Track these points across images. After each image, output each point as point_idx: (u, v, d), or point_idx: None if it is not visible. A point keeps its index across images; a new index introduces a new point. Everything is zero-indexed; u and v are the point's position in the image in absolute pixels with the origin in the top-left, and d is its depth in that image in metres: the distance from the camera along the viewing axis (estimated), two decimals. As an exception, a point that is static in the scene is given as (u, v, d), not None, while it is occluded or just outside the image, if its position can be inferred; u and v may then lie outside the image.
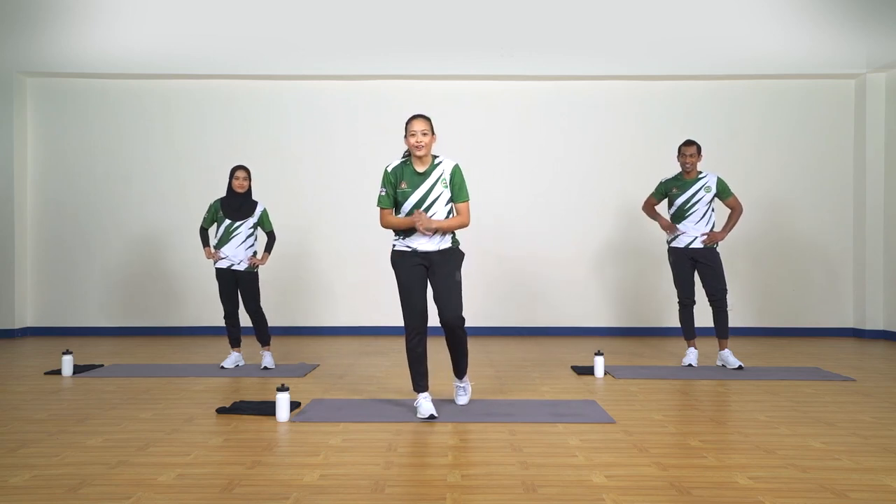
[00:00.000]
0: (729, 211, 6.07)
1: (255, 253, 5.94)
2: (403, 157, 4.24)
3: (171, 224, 8.46)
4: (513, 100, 8.49)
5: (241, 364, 6.01)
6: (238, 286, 5.90)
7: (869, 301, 8.19)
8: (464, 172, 4.29)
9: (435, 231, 4.13)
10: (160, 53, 8.23)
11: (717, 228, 6.21)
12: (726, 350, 5.98)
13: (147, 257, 8.47)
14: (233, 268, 5.84)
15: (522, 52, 8.23)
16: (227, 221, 5.83)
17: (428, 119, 4.14)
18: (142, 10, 8.23)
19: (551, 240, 8.41)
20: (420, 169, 4.17)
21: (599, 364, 5.56)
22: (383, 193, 4.18)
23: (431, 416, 4.08)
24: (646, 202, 6.24)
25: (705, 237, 5.88)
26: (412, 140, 4.08)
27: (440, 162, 4.21)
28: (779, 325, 8.39)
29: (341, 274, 8.47)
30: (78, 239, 8.46)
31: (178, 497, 2.81)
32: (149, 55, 8.23)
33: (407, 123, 4.13)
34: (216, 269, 5.87)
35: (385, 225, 4.20)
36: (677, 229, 5.95)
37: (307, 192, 8.39)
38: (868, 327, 8.19)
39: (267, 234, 6.08)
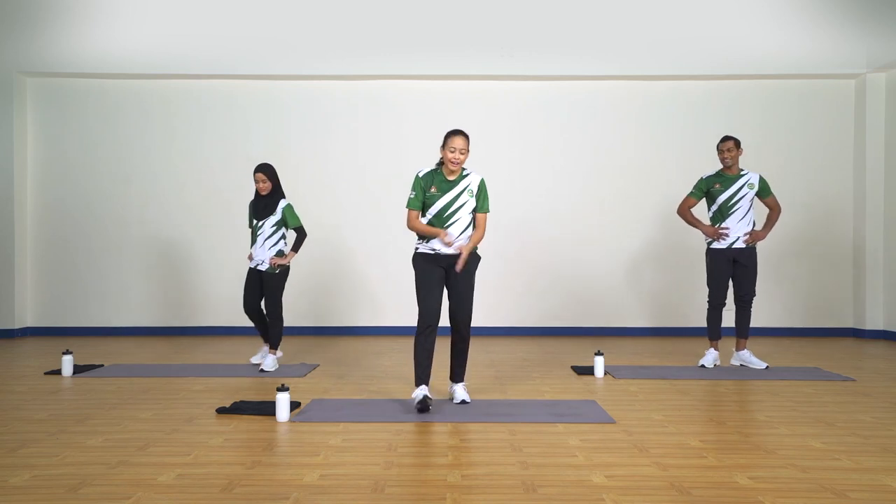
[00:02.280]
0: (767, 211, 5.98)
1: (279, 252, 5.84)
2: (437, 165, 4.51)
3: (171, 224, 8.46)
4: (513, 100, 8.49)
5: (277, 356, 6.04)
6: (262, 285, 5.89)
7: (869, 301, 8.19)
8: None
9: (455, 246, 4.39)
10: (160, 53, 8.23)
11: (757, 228, 6.07)
12: (746, 350, 5.96)
13: (147, 257, 8.46)
14: (258, 268, 5.85)
15: (522, 52, 8.23)
16: (255, 221, 5.86)
17: (468, 137, 4.43)
18: (142, 10, 8.23)
19: (551, 240, 8.41)
20: (450, 178, 4.46)
21: (599, 364, 5.56)
22: (413, 196, 4.43)
23: (424, 403, 4.24)
24: (683, 203, 5.96)
25: (747, 237, 5.80)
26: (450, 155, 4.36)
27: (468, 174, 4.50)
28: (779, 325, 8.39)
29: (340, 274, 8.47)
30: (78, 239, 8.46)
31: (178, 497, 2.81)
32: (149, 55, 8.23)
33: (448, 136, 4.39)
34: (248, 268, 5.96)
35: (412, 227, 4.44)
36: (722, 233, 5.80)
37: (307, 193, 8.38)
38: (868, 327, 8.19)
39: (294, 230, 5.90)
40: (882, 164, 8.19)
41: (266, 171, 5.82)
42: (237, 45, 8.23)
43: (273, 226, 5.81)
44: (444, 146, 4.38)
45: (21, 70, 8.28)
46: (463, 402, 4.51)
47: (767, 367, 5.85)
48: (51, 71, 8.29)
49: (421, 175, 4.46)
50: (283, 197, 5.89)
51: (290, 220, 5.85)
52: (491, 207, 7.97)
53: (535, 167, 8.46)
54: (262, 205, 5.84)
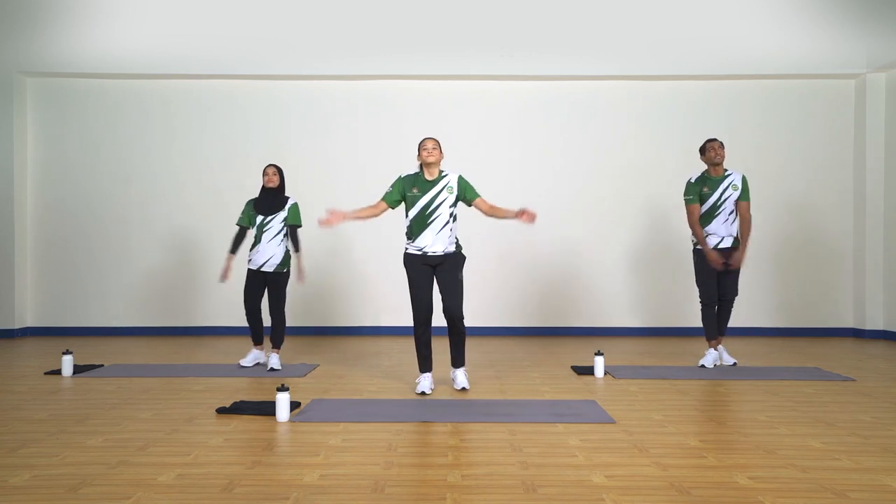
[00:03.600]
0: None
1: (286, 257, 5.88)
2: (417, 171, 4.92)
3: (172, 224, 8.46)
4: (513, 100, 8.50)
5: (261, 362, 6.02)
6: (266, 286, 5.91)
7: (869, 301, 8.19)
8: (464, 174, 5.08)
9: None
10: (160, 53, 8.23)
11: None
12: (720, 346, 6.09)
13: (147, 257, 8.47)
14: (262, 269, 5.84)
15: (522, 52, 8.24)
16: (260, 217, 5.85)
17: (436, 139, 4.91)
18: (142, 10, 8.23)
19: (551, 239, 8.41)
20: (429, 178, 4.85)
21: (599, 364, 5.57)
22: (389, 191, 4.90)
23: (423, 392, 4.79)
24: (692, 214, 5.88)
25: (731, 257, 5.83)
26: (424, 153, 4.79)
27: (446, 175, 4.89)
28: (779, 325, 8.39)
29: (340, 274, 8.47)
30: (78, 239, 8.46)
31: (178, 497, 2.81)
32: (149, 55, 8.23)
33: (420, 143, 4.85)
34: (248, 269, 5.93)
35: (371, 212, 4.92)
36: (711, 250, 5.79)
37: (307, 193, 8.36)
38: (868, 327, 8.20)
39: (291, 227, 5.87)
40: (882, 164, 8.19)
41: (277, 167, 6.00)
42: (237, 45, 8.23)
43: (281, 222, 5.86)
44: (418, 154, 4.84)
45: (21, 70, 8.28)
46: (463, 389, 4.90)
47: (735, 363, 6.05)
48: (51, 71, 8.30)
49: (403, 176, 4.91)
50: (289, 196, 6.00)
51: (292, 218, 5.88)
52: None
53: (535, 167, 8.46)
54: (269, 201, 5.87)
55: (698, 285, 6.00)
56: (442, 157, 4.86)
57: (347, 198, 8.42)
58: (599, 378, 5.50)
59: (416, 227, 4.82)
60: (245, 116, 8.50)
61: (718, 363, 6.03)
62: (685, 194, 5.98)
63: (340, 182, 8.45)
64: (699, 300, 6.07)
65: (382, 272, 8.37)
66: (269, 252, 5.83)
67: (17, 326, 8.27)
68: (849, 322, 8.43)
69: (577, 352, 6.98)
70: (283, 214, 5.86)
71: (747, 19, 8.19)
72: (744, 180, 5.89)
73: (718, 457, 3.35)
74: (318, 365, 6.15)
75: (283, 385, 4.10)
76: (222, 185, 8.44)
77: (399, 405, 4.49)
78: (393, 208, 4.94)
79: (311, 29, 8.22)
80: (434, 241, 4.79)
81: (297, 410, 4.30)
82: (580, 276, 8.42)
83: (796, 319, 8.42)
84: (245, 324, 8.33)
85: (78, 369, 5.74)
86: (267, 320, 6.12)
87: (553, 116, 8.47)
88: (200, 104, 8.49)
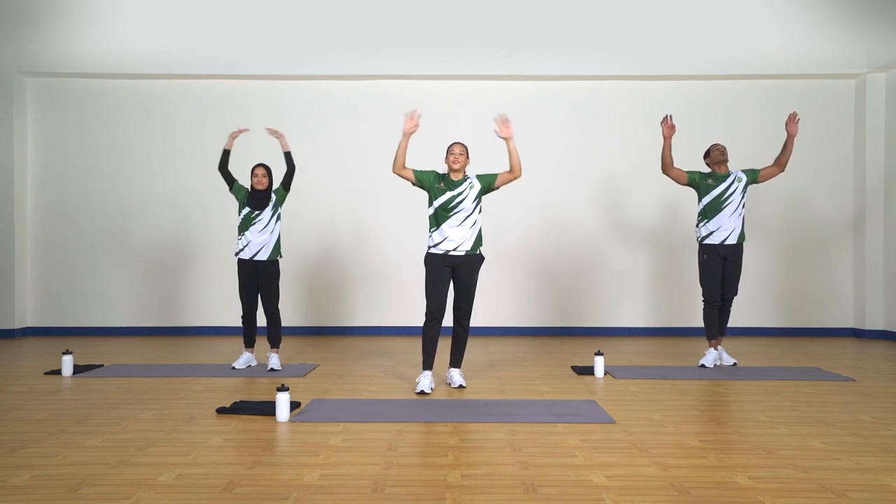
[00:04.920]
0: (777, 170, 6.00)
1: (277, 244, 5.90)
2: (446, 172, 5.16)
3: (171, 224, 8.46)
4: (513, 100, 8.48)
5: (252, 364, 6.00)
6: (258, 280, 5.86)
7: (869, 301, 8.19)
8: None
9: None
10: (160, 53, 8.23)
11: (747, 221, 6.38)
12: (720, 347, 6.11)
13: (147, 257, 8.46)
14: (255, 258, 5.83)
15: (522, 52, 8.23)
16: (248, 209, 5.87)
17: (464, 145, 5.15)
18: (142, 10, 8.23)
19: (551, 239, 8.41)
20: (455, 179, 5.09)
21: (599, 364, 5.57)
22: (423, 170, 5.08)
23: (423, 392, 4.83)
24: (675, 169, 6.03)
25: (735, 235, 5.91)
26: (451, 158, 5.04)
27: (469, 178, 5.13)
28: (779, 325, 8.39)
29: (340, 274, 8.47)
30: (78, 239, 8.46)
31: (178, 497, 2.81)
32: (149, 55, 8.23)
33: (448, 148, 5.10)
34: (238, 260, 5.87)
35: (395, 162, 5.03)
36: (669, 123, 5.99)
37: (307, 193, 8.38)
38: (868, 327, 8.20)
39: (285, 184, 5.97)
40: (882, 164, 8.18)
41: (267, 167, 5.97)
42: (237, 45, 8.23)
43: (271, 209, 5.89)
44: (446, 158, 5.06)
45: (21, 70, 8.28)
46: (461, 386, 5.03)
47: (735, 363, 6.09)
48: (51, 71, 8.29)
49: (437, 172, 5.14)
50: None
51: (281, 196, 5.96)
52: (490, 208, 8.12)
53: (534, 167, 8.42)
54: (259, 199, 5.88)
55: (702, 284, 6.04)
56: (468, 163, 5.08)
57: (348, 198, 8.46)
58: (599, 378, 5.50)
59: (439, 219, 5.02)
60: (245, 116, 8.45)
61: (718, 363, 6.05)
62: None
63: (340, 182, 8.45)
64: (702, 299, 6.09)
65: (383, 273, 8.37)
66: (261, 242, 5.83)
67: (17, 326, 8.26)
68: (849, 322, 8.43)
69: (577, 352, 6.98)
70: (271, 203, 5.90)
71: (747, 19, 8.19)
72: (744, 170, 6.03)
73: (718, 457, 3.35)
74: (318, 365, 6.15)
75: (283, 385, 4.10)
76: (222, 185, 8.37)
77: (399, 405, 4.49)
78: (412, 182, 5.07)
79: (311, 29, 8.22)
80: (455, 234, 4.95)
81: (297, 410, 4.30)
82: (580, 276, 8.42)
83: (796, 319, 8.42)
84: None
85: (78, 369, 5.74)
86: (262, 320, 6.09)
87: (553, 116, 8.47)
88: (200, 104, 8.49)
